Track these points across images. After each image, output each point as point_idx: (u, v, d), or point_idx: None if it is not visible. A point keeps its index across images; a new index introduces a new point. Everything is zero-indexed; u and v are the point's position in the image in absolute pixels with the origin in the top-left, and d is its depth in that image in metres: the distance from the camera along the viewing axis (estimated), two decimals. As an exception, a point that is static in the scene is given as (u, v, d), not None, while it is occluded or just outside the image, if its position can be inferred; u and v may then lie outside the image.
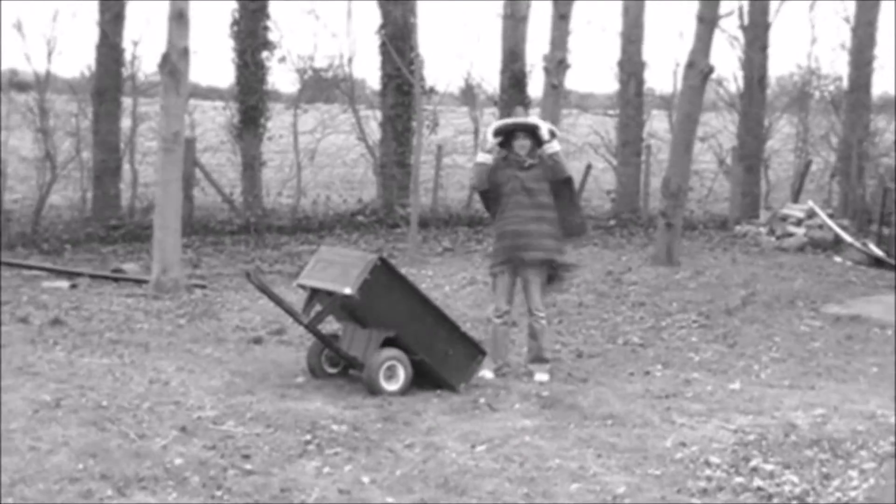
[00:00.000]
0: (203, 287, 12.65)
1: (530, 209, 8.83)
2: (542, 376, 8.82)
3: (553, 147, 8.92)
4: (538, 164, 8.90)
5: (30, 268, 13.28)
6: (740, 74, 21.26)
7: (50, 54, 16.92)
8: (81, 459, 6.32)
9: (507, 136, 9.02)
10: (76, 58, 35.67)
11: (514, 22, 19.88)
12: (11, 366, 8.49)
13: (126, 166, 17.46)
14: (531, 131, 8.96)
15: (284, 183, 19.20)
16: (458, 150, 20.85)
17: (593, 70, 37.97)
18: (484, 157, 9.01)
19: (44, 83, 16.90)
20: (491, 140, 9.02)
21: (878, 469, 6.64)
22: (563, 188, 9.03)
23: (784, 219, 18.20)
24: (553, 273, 9.06)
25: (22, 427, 6.88)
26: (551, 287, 9.25)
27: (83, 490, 5.84)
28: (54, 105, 17.11)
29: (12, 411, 7.22)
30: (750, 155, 20.75)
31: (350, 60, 19.92)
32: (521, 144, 8.91)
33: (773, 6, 20.86)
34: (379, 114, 19.81)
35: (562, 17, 14.90)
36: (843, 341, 10.66)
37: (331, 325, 9.02)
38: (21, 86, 17.79)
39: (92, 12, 17.16)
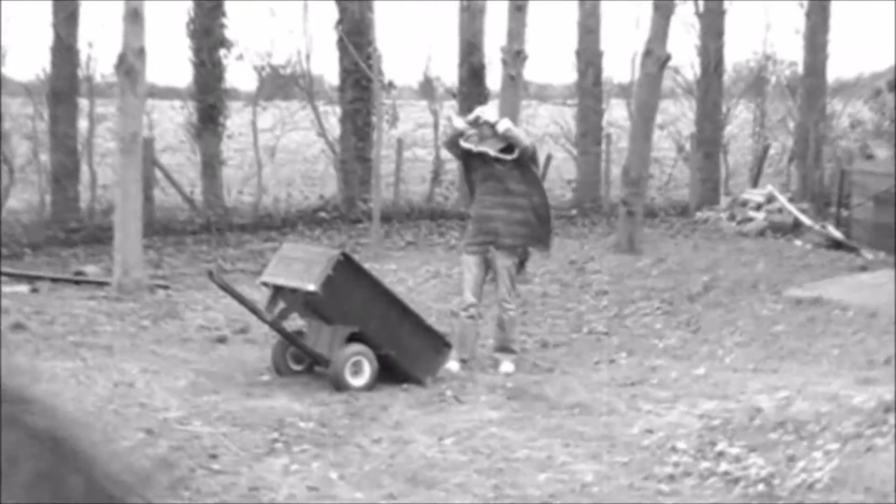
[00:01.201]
0: (166, 287, 12.58)
1: (500, 195, 8.90)
2: (507, 367, 8.85)
3: (503, 124, 9.04)
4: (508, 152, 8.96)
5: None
6: (697, 61, 21.36)
7: (3, 57, 16.79)
8: (47, 464, 6.26)
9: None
10: (31, 60, 35.28)
11: (472, 14, 19.88)
12: (-27, 372, 8.40)
13: (84, 168, 17.31)
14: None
15: (245, 181, 19.12)
16: (418, 143, 20.83)
17: (551, 60, 37.98)
18: (460, 124, 9.18)
19: (-2, 86, 16.75)
20: (462, 124, 9.18)
21: (841, 450, 6.70)
22: (530, 165, 9.11)
23: (744, 204, 18.32)
24: (523, 259, 9.12)
25: (-14, 434, 6.82)
26: (518, 275, 9.29)
27: (50, 495, 5.79)
28: (10, 108, 16.95)
29: (-25, 418, 7.14)
30: (708, 141, 20.87)
31: (308, 57, 19.86)
32: (493, 143, 8.99)
33: (727, -7, 20.98)
34: (338, 109, 19.74)
35: (519, 9, 14.92)
36: (804, 324, 10.74)
37: (295, 322, 9.00)
38: (-25, 90, 17.62)
39: (45, 14, 17.01)
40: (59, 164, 16.82)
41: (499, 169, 8.93)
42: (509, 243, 8.93)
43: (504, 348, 9.02)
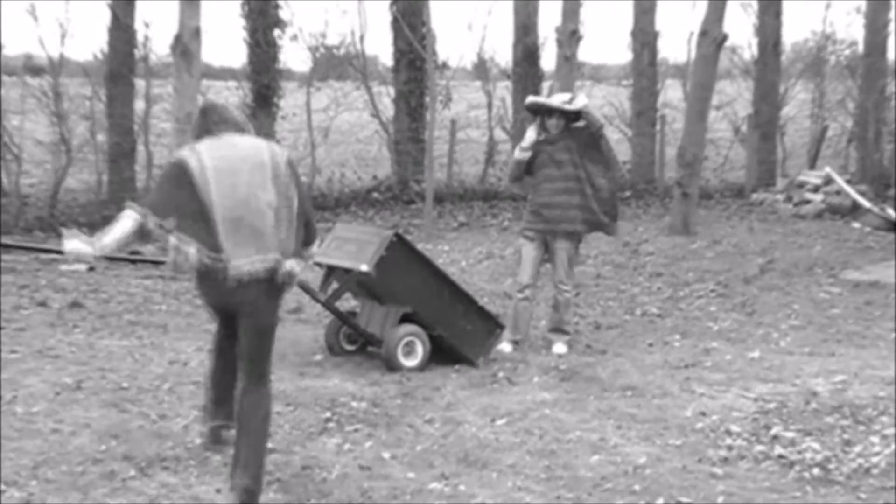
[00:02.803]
0: (220, 267, 12.63)
1: (559, 181, 8.84)
2: (560, 348, 8.83)
3: (580, 101, 8.95)
4: (565, 135, 8.87)
5: (48, 251, 13.32)
6: (754, 41, 21.15)
7: (63, 38, 16.95)
8: (104, 440, 6.35)
9: (539, 113, 9.02)
10: (89, 41, 35.64)
11: (526, -6, 19.79)
12: (32, 349, 8.53)
13: (141, 148, 17.46)
14: (566, 114, 8.92)
15: (299, 161, 19.15)
16: (471, 124, 20.80)
17: (606, 41, 37.76)
18: (523, 155, 8.99)
19: (58, 67, 16.91)
20: (531, 137, 8.97)
21: (899, 434, 6.63)
22: (599, 143, 8.98)
23: (801, 185, 18.11)
24: (577, 241, 9.06)
25: (44, 410, 6.92)
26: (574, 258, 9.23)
27: (106, 471, 5.87)
28: (68, 89, 17.12)
29: (34, 394, 7.26)
30: (765, 122, 20.65)
31: (362, 37, 19.89)
32: (555, 123, 8.88)
33: (786, -29, 20.74)
34: (392, 90, 19.76)
35: (573, -11, 14.84)
36: (862, 307, 10.63)
37: (348, 303, 9.03)
38: (35, 70, 17.82)
39: (103, -6, 17.16)
40: (115, 144, 16.98)
41: (557, 154, 8.84)
42: (568, 229, 8.89)
43: (557, 329, 9.00)
